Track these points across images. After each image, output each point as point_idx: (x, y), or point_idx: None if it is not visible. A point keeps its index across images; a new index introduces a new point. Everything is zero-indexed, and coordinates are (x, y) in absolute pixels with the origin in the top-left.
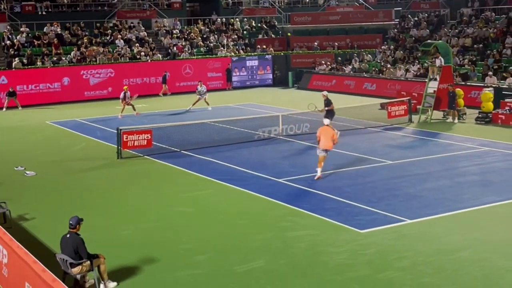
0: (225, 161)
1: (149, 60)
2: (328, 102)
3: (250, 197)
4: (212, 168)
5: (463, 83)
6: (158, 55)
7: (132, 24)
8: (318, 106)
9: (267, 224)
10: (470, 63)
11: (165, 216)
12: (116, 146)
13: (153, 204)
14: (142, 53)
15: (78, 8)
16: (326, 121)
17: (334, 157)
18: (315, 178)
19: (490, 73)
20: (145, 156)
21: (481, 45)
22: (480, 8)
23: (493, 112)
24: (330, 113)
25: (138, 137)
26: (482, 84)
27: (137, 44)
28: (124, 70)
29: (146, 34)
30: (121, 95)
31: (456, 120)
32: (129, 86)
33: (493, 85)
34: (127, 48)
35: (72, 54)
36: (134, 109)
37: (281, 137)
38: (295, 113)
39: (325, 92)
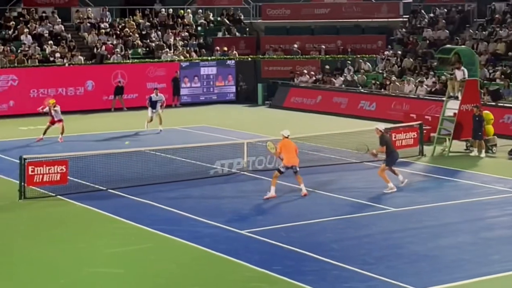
0: (168, 205)
1: (67, 64)
2: (382, 140)
3: (202, 255)
4: (150, 214)
5: (493, 103)
6: (80, 57)
7: (44, 14)
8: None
9: None
10: (503, 76)
11: (82, 280)
12: (18, 182)
13: (67, 263)
14: (58, 55)
15: None
16: (286, 132)
17: (317, 201)
18: (264, 198)
19: None
20: (58, 196)
21: None
22: None
23: None
24: (389, 157)
25: (49, 169)
26: None
27: (50, 42)
28: (32, 77)
29: (63, 28)
30: (45, 109)
31: (483, 154)
32: (37, 99)
33: None
34: (37, 47)
35: None
36: (62, 132)
37: (245, 172)
38: (266, 141)
39: (380, 126)
